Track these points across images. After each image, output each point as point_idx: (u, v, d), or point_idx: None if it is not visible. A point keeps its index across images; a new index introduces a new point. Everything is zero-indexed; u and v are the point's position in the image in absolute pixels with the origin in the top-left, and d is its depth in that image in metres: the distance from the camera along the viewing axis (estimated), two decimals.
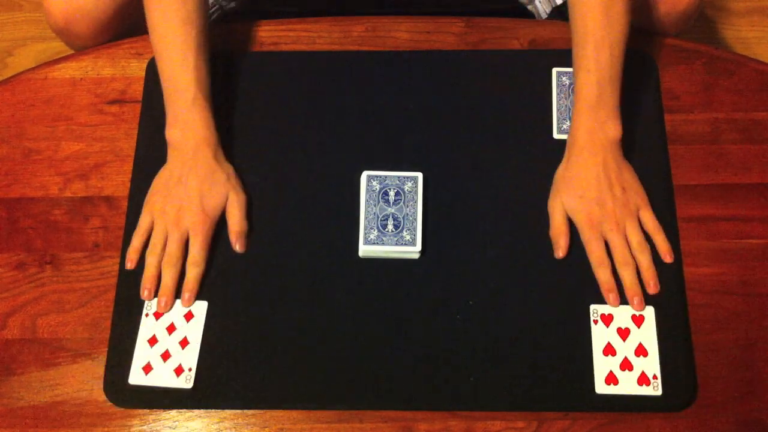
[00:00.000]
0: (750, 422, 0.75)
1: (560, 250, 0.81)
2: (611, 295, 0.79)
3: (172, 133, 0.83)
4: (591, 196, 0.80)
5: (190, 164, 0.82)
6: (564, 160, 0.83)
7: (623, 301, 0.79)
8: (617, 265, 0.80)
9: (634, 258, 0.80)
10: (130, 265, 0.81)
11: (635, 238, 0.80)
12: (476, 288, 0.80)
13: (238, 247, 0.82)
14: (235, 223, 0.82)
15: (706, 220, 0.84)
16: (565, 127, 0.87)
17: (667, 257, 0.81)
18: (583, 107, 0.81)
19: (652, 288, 0.79)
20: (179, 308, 0.80)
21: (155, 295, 0.80)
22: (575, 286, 0.80)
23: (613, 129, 0.81)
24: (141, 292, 0.80)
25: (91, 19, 0.92)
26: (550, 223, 0.82)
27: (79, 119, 0.90)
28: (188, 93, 0.81)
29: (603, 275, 0.79)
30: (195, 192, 0.81)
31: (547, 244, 0.82)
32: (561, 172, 0.83)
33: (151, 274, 0.80)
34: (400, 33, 0.94)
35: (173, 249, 0.80)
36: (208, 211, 0.81)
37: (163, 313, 0.79)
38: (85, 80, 0.92)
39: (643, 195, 0.82)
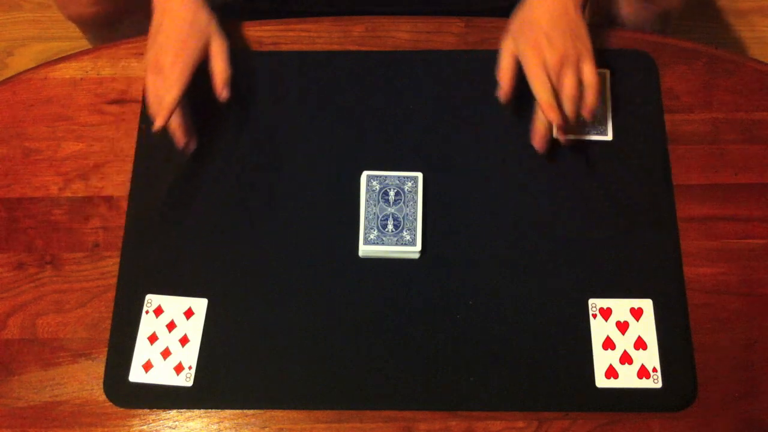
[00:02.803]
0: (750, 422, 0.75)
1: (502, 91, 0.82)
2: (552, 112, 0.78)
3: None
4: (542, 34, 0.79)
5: (168, 11, 0.82)
6: (523, 3, 0.83)
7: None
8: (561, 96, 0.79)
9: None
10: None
11: (569, 81, 0.79)
12: (476, 288, 0.80)
13: (224, 93, 0.82)
14: (219, 71, 0.82)
15: (706, 220, 0.84)
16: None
17: (586, 113, 0.80)
18: None
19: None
20: (179, 305, 0.80)
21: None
22: (574, 281, 0.80)
23: None
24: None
25: None
26: (498, 64, 0.83)
27: (79, 119, 0.90)
28: None
29: (544, 95, 0.78)
30: (173, 36, 0.81)
31: (547, 244, 0.82)
32: (520, 14, 0.83)
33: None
34: (400, 33, 0.94)
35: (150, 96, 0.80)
36: (185, 54, 0.80)
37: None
38: (85, 80, 0.92)
39: (590, 47, 0.81)
